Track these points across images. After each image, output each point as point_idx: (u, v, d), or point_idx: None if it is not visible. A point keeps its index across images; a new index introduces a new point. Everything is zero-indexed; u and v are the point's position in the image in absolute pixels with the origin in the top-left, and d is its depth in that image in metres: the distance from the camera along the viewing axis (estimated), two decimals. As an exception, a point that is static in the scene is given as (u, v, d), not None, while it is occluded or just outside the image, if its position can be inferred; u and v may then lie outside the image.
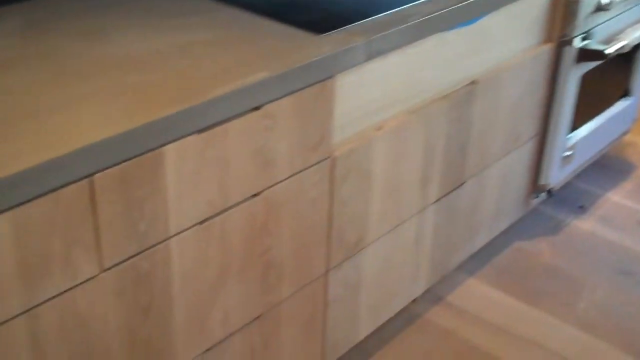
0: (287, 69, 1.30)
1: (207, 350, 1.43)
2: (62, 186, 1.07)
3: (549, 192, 2.31)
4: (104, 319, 1.20)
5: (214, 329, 1.41)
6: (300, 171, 1.44)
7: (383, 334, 2.00)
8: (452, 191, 1.90)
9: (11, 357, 1.09)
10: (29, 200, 1.04)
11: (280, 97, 1.34)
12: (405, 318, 2.06)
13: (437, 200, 1.86)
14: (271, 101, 1.32)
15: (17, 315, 1.09)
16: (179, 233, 1.27)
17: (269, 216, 1.42)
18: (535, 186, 2.27)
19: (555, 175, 2.27)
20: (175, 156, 1.20)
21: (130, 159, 1.14)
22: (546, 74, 2.08)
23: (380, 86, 1.56)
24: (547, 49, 2.04)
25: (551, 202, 2.55)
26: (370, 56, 1.46)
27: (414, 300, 2.07)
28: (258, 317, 1.51)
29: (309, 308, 1.61)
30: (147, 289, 1.25)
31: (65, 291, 1.14)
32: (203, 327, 1.39)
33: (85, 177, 1.09)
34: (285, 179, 1.42)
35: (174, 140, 1.19)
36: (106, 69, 1.27)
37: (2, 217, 1.02)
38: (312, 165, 1.46)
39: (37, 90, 1.20)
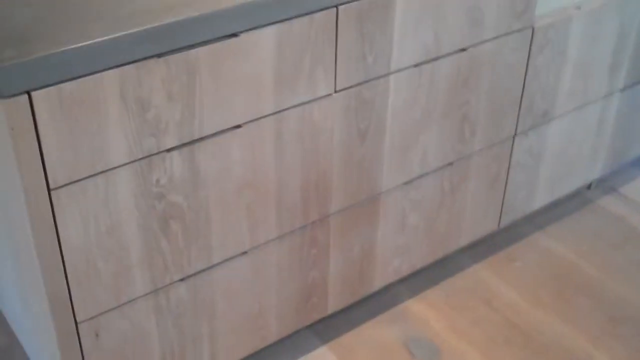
0: None
1: (406, 183, 1.66)
2: (315, 11, 1.32)
3: None
4: (330, 132, 1.46)
5: (413, 165, 1.65)
6: (503, 35, 1.63)
7: (555, 211, 2.18)
8: (639, 82, 2.02)
9: (260, 146, 1.37)
10: (290, 18, 1.30)
11: (495, -37, 1.52)
12: (578, 201, 2.22)
13: (623, 89, 1.99)
14: (487, -35, 1.51)
15: (268, 115, 1.36)
16: (397, 71, 1.50)
17: (471, 72, 1.62)
18: None
19: None
20: (403, 1, 1.42)
21: (368, -3, 1.37)
22: None
23: (584, -33, 1.70)
24: None
25: None
26: None
27: (588, 187, 2.23)
28: (450, 163, 1.73)
29: (494, 166, 1.82)
30: (366, 115, 1.50)
31: (305, 102, 1.40)
32: (405, 160, 1.62)
33: (332, 6, 1.34)
34: (489, 40, 1.61)
35: (404, -13, 1.41)
36: None
37: (269, 29, 1.28)
38: (514, 32, 1.64)
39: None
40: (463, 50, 1.58)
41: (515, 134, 1.81)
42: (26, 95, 1.09)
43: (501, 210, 1.92)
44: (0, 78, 1.05)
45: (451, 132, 1.67)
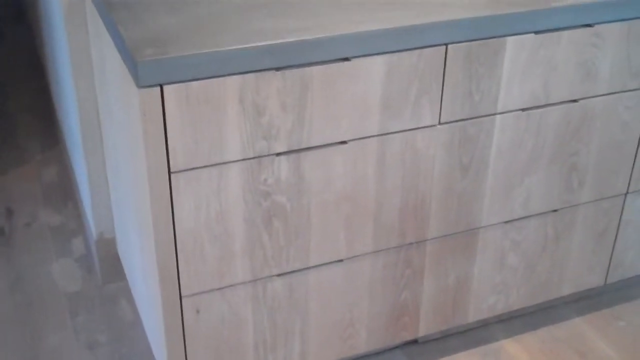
0: (623, -2, 1.56)
1: (507, 222, 1.75)
2: (424, 47, 1.45)
3: None
4: (432, 161, 1.58)
5: (515, 205, 1.73)
6: (618, 92, 1.69)
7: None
8: None
9: (362, 163, 1.51)
10: (400, 51, 1.44)
11: (612, 21, 1.60)
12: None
13: None
14: (602, 22, 1.59)
15: (373, 136, 1.50)
16: (504, 112, 1.60)
17: (582, 124, 1.69)
18: None
19: None
20: (513, 47, 1.53)
21: (477, 39, 1.49)
22: None
23: None
24: None
25: None
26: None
27: None
28: (555, 210, 1.79)
29: (603, 221, 1.86)
30: (469, 150, 1.61)
31: (409, 129, 1.53)
32: (507, 200, 1.71)
33: (442, 44, 1.47)
34: (603, 95, 1.68)
35: (514, 34, 1.52)
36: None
37: (379, 57, 1.43)
38: (629, 90, 1.70)
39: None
40: (574, 101, 1.66)
41: (627, 192, 1.85)
42: (159, 88, 1.29)
43: (609, 266, 1.95)
44: (140, 71, 1.26)
45: (559, 180, 1.74)
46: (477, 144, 1.60)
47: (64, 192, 2.42)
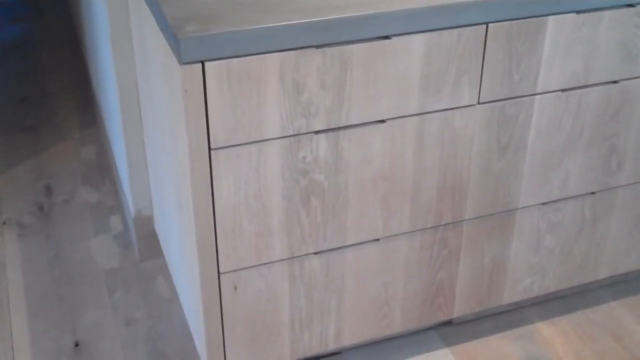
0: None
1: (544, 203, 1.74)
2: (464, 25, 1.45)
3: None
4: (470, 141, 1.57)
5: (553, 187, 1.72)
6: (660, 73, 1.67)
7: None
8: None
9: (400, 142, 1.52)
10: (440, 29, 1.44)
11: (655, 1, 1.58)
12: None
13: None
14: (646, 2, 1.57)
15: (412, 115, 1.50)
16: (543, 93, 1.59)
17: (622, 105, 1.68)
18: None
19: None
20: (554, 26, 1.52)
21: (518, 19, 1.48)
22: None
23: None
24: None
25: None
26: None
27: None
28: (593, 193, 1.78)
29: (641, 204, 1.84)
30: (508, 131, 1.60)
31: (448, 109, 1.52)
32: (545, 181, 1.70)
33: (482, 23, 1.46)
34: (644, 76, 1.66)
35: (556, 14, 1.51)
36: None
37: (419, 36, 1.43)
38: (671, 72, 1.68)
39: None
40: (614, 82, 1.64)
41: (666, 175, 1.83)
42: (200, 64, 1.30)
43: (646, 250, 1.93)
44: (182, 47, 1.27)
45: (597, 162, 1.72)
46: (515, 125, 1.59)
47: (102, 170, 2.45)
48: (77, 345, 1.85)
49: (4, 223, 2.23)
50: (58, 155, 2.52)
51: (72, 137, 2.61)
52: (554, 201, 1.74)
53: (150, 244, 2.04)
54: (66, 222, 2.23)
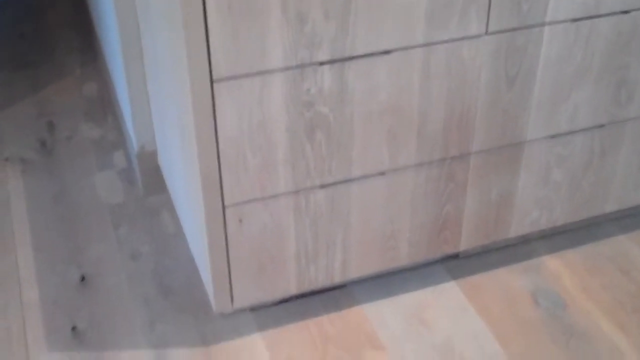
0: None
1: (552, 136, 1.71)
2: (473, -49, 1.41)
3: None
4: (478, 72, 1.54)
5: (561, 120, 1.69)
6: (672, 1, 1.63)
7: None
8: None
9: (406, 73, 1.49)
10: (448, -45, 1.39)
11: None
12: None
13: None
14: None
15: (418, 46, 1.47)
16: (553, 23, 1.55)
17: (633, 36, 1.64)
18: None
19: None
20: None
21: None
22: None
23: None
24: None
25: None
26: None
27: None
28: (602, 125, 1.75)
29: (650, 136, 1.82)
30: (516, 61, 1.57)
31: (455, 39, 1.49)
32: (553, 114, 1.67)
33: (492, -51, 1.42)
34: (656, 4, 1.62)
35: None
36: None
37: (427, -38, 1.39)
38: (685, 0, 1.64)
39: None
40: (625, 12, 1.60)
41: (677, 107, 1.80)
42: (201, -7, 1.27)
43: (654, 183, 1.91)
44: (182, -25, 1.23)
45: (606, 94, 1.70)
46: (524, 55, 1.56)
47: (104, 106, 2.42)
48: (83, 279, 1.85)
49: (6, 159, 2.22)
50: (59, 92, 2.49)
51: (73, 73, 2.58)
52: (562, 134, 1.71)
53: (154, 179, 2.04)
54: (69, 158, 2.22)
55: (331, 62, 1.41)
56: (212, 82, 1.35)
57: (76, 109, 2.42)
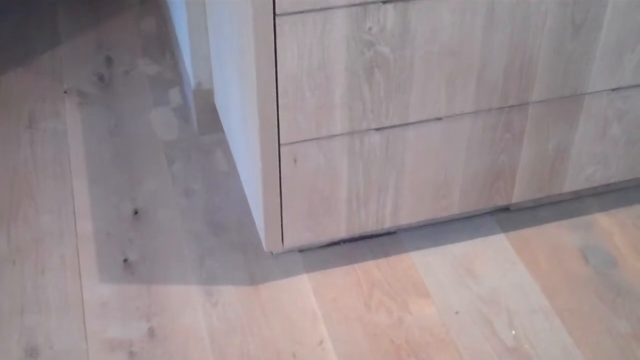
0: None
1: (614, 89, 1.68)
2: None
3: None
4: (543, 17, 1.51)
5: (626, 72, 1.66)
6: None
7: None
8: None
9: (471, 16, 1.46)
10: None
11: None
12: None
13: None
14: None
15: (484, -11, 1.44)
16: (623, -29, 1.51)
17: None
18: None
19: None
20: None
21: None
22: None
23: None
24: None
25: None
26: None
27: None
28: (666, 81, 1.71)
29: None
30: (583, 8, 1.53)
31: (522, -17, 1.46)
32: (617, 66, 1.64)
33: None
34: None
35: None
36: None
37: None
38: None
39: None
40: (700, -38, 1.56)
41: None
42: None
43: None
44: None
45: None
46: (592, 2, 1.52)
47: (162, 43, 2.43)
48: (136, 212, 1.88)
49: (65, 92, 2.24)
50: (118, 27, 2.51)
51: (132, 8, 2.59)
52: (624, 87, 1.68)
53: (210, 118, 2.05)
54: (126, 93, 2.24)
55: (395, 0, 1.40)
56: (274, 16, 1.35)
57: (134, 44, 2.43)
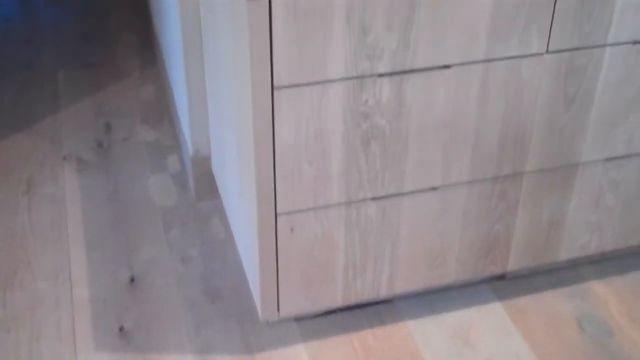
0: None
1: (607, 159, 1.70)
2: (538, -30, 1.41)
3: None
4: (536, 91, 1.54)
5: (618, 143, 1.68)
6: None
7: None
8: None
9: (465, 89, 1.49)
10: (512, -26, 1.40)
11: None
12: None
13: None
14: None
15: (478, 62, 1.47)
16: (614, 44, 1.54)
17: (695, 61, 1.63)
18: None
19: None
20: (630, -24, 1.47)
21: (594, -34, 1.44)
22: None
23: None
24: None
25: None
26: None
27: None
28: (659, 151, 1.73)
29: None
30: (575, 82, 1.56)
31: (516, 57, 1.49)
32: (610, 136, 1.66)
33: (557, -30, 1.42)
34: None
35: (634, -38, 1.46)
36: None
37: (491, -20, 1.39)
38: None
39: None
40: (689, 37, 1.59)
41: None
42: (267, 0, 1.29)
43: None
44: (249, -18, 1.25)
45: (664, 119, 1.68)
46: (584, 76, 1.55)
47: (161, 109, 2.46)
48: (132, 279, 1.88)
49: (64, 158, 2.26)
50: (118, 94, 2.54)
51: (132, 76, 2.63)
52: (617, 157, 1.70)
53: (207, 185, 2.06)
54: (125, 160, 2.25)
55: (391, 74, 1.42)
56: (272, 88, 1.37)
57: (133, 111, 2.46)
